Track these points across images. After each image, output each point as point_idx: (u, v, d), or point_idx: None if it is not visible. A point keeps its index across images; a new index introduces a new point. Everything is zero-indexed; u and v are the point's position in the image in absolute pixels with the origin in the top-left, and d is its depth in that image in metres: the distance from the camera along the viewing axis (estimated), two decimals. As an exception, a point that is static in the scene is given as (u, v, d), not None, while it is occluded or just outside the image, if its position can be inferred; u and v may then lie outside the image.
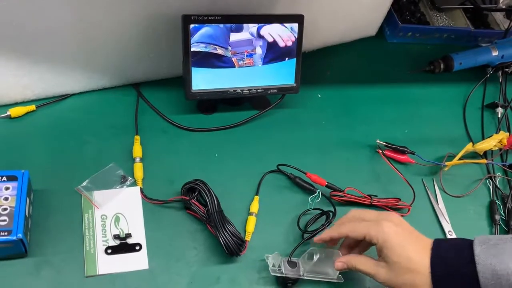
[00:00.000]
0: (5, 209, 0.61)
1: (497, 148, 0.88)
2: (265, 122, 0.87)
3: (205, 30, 0.76)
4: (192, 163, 0.78)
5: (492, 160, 0.89)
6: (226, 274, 0.67)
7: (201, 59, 0.78)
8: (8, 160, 0.72)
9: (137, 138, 0.78)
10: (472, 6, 1.11)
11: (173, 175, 0.75)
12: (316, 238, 0.67)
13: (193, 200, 0.70)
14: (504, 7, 1.12)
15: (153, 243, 0.68)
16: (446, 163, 0.85)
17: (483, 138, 0.93)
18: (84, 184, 0.71)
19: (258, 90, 0.83)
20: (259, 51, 0.81)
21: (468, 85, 1.04)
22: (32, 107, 0.78)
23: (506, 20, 1.14)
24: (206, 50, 0.78)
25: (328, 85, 0.96)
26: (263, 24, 0.79)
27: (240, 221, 0.72)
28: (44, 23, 0.70)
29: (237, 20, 0.78)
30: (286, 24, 0.80)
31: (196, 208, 0.70)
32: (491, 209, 0.83)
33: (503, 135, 0.88)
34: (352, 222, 0.65)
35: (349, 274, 0.67)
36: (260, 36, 0.80)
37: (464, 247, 0.58)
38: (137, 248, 0.67)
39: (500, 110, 0.99)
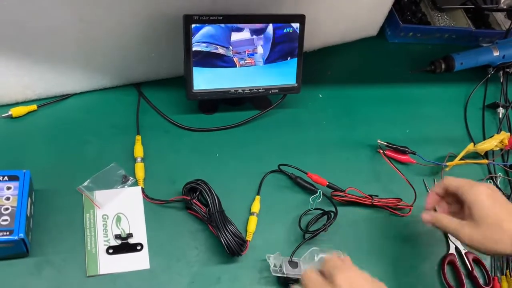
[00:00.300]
0: (7, 208, 0.61)
1: (498, 148, 0.89)
2: (266, 122, 0.87)
3: (206, 29, 0.76)
4: (193, 163, 0.78)
5: (493, 161, 0.89)
6: (227, 274, 0.67)
7: (202, 59, 0.78)
8: (9, 160, 0.72)
9: (138, 138, 0.78)
10: (473, 6, 1.11)
11: (174, 175, 0.75)
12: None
13: (194, 200, 0.70)
14: (505, 7, 1.12)
15: (154, 243, 0.68)
16: (447, 163, 0.85)
17: (484, 139, 0.94)
18: (85, 184, 0.71)
19: (259, 90, 0.83)
20: (260, 50, 0.81)
21: (469, 85, 1.04)
22: (34, 107, 0.78)
23: (507, 20, 1.14)
24: (207, 49, 0.78)
25: (329, 85, 0.96)
26: (264, 24, 0.79)
27: (241, 221, 0.72)
28: (45, 23, 0.70)
29: (238, 20, 0.78)
30: (287, 24, 0.80)
31: (197, 208, 0.70)
32: (492, 209, 0.83)
33: (504, 135, 0.88)
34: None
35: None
36: (261, 36, 0.80)
37: None
38: (139, 248, 0.67)
39: (501, 110, 0.99)
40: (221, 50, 0.79)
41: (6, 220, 0.60)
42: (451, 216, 0.67)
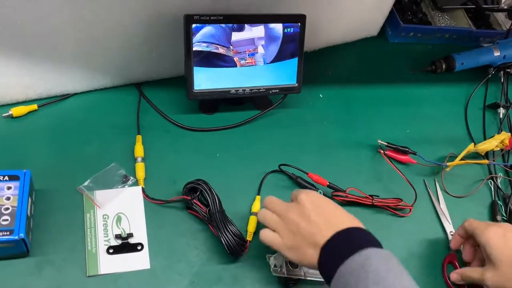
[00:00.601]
0: (7, 208, 0.61)
1: (498, 148, 0.88)
2: (267, 122, 0.87)
3: (207, 29, 0.76)
4: (193, 163, 0.78)
5: (493, 161, 0.89)
6: (227, 274, 0.67)
7: (203, 58, 0.78)
8: (10, 160, 0.72)
9: (139, 138, 0.78)
10: (474, 6, 1.11)
11: (175, 175, 0.75)
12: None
13: (194, 200, 0.70)
14: (506, 7, 1.12)
15: (154, 243, 0.68)
16: (448, 164, 0.85)
17: (484, 139, 0.93)
18: (86, 183, 0.71)
19: (260, 90, 0.83)
20: (261, 50, 0.81)
21: (470, 85, 1.04)
22: (34, 106, 0.78)
23: (508, 21, 1.14)
24: (208, 49, 0.78)
25: (330, 85, 0.96)
26: (265, 23, 0.79)
27: (242, 221, 0.72)
28: (45, 23, 0.70)
29: (239, 20, 0.78)
30: (288, 24, 0.80)
31: (198, 208, 0.70)
32: (493, 210, 0.83)
33: (504, 136, 0.88)
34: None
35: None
36: (262, 36, 0.80)
37: None
38: (139, 248, 0.67)
39: (501, 111, 0.99)
40: (221, 50, 0.79)
41: (6, 220, 0.60)
42: (480, 262, 0.69)
